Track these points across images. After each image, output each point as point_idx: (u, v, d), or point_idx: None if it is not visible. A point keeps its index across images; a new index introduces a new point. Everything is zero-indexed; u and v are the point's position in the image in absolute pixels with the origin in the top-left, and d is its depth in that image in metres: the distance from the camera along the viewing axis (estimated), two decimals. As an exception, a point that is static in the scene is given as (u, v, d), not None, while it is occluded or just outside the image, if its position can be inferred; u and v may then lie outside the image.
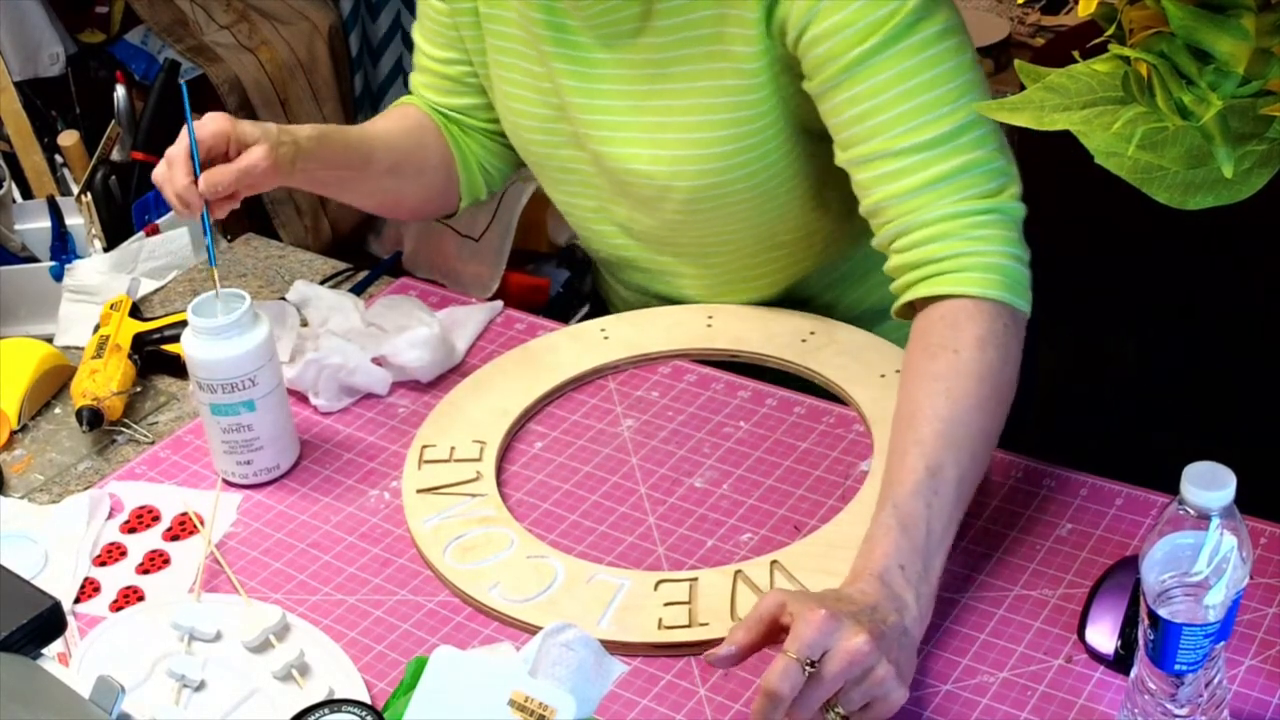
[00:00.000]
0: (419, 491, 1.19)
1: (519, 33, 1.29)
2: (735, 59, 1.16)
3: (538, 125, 1.32)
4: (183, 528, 1.20)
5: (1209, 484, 0.82)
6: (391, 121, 1.41)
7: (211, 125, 1.20)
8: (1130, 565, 1.02)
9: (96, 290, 1.51)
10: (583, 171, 1.32)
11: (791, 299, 1.36)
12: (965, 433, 1.03)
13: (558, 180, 1.36)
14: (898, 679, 0.92)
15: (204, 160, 1.19)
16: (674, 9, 1.17)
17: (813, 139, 1.22)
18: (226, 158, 1.20)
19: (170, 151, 1.20)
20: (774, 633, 0.94)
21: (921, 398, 1.04)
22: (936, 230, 1.09)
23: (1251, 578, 0.95)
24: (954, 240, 1.09)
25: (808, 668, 0.89)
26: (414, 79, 1.44)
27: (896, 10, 1.08)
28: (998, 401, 1.06)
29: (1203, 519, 0.82)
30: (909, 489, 1.00)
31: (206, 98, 2.45)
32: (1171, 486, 0.84)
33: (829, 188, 1.25)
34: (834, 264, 1.36)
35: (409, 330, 1.33)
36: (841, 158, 1.15)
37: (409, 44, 2.72)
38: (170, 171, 1.19)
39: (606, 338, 1.36)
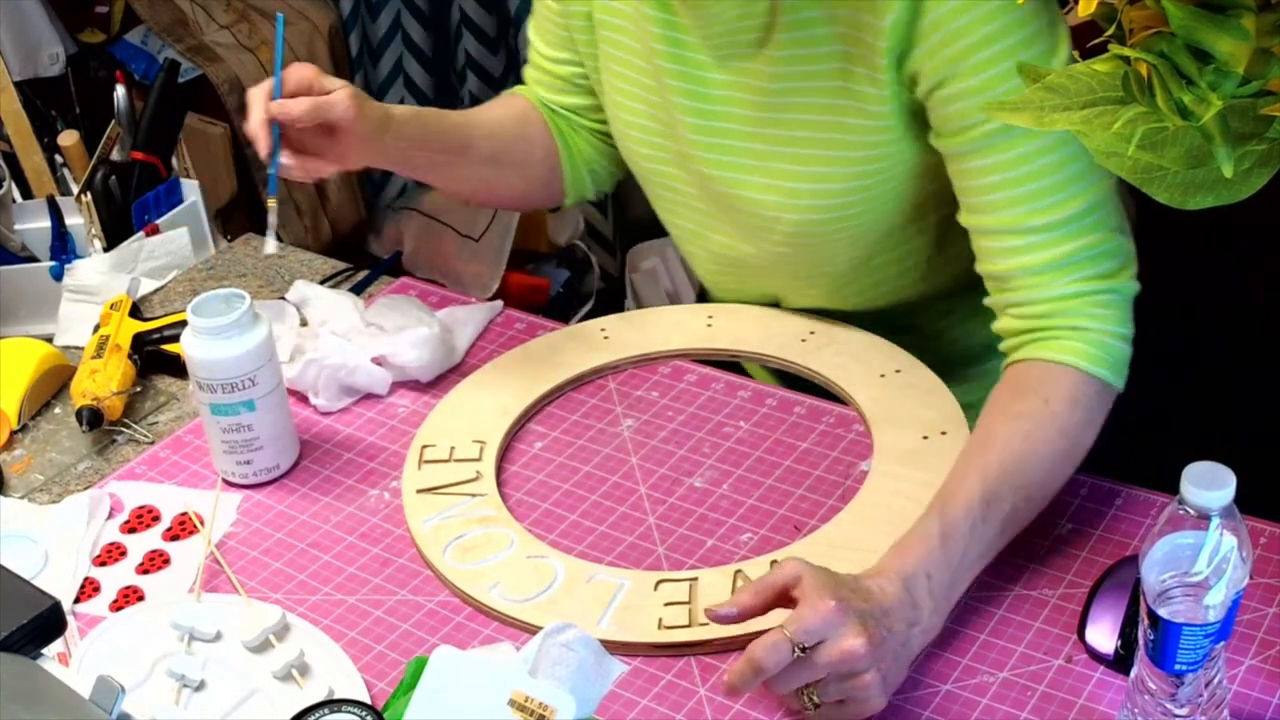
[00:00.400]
0: (419, 491, 1.19)
1: (633, 43, 1.26)
2: (859, 98, 1.13)
3: (644, 138, 1.30)
4: (183, 528, 1.20)
5: (1209, 484, 0.82)
6: (496, 110, 1.39)
7: (295, 74, 1.18)
8: (1130, 565, 1.02)
9: (96, 290, 1.51)
10: (684, 191, 1.30)
11: (894, 325, 1.32)
12: (1030, 476, 1.04)
13: (659, 195, 1.34)
14: (880, 688, 0.92)
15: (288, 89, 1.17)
16: (796, 40, 1.13)
17: (926, 178, 1.19)
18: None
19: (251, 91, 1.17)
20: (781, 602, 0.94)
21: (999, 430, 1.05)
22: (1054, 307, 1.09)
23: (1251, 578, 0.95)
24: (1069, 316, 1.09)
25: (798, 651, 0.90)
26: (527, 72, 1.42)
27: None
28: (1068, 461, 1.07)
29: (1203, 519, 0.82)
30: (960, 506, 1.01)
31: (207, 97, 2.45)
32: (1171, 486, 0.84)
33: (928, 210, 1.22)
34: (942, 299, 1.32)
35: (409, 330, 1.33)
36: (967, 220, 1.13)
37: (409, 44, 2.73)
38: (251, 108, 1.17)
39: (606, 338, 1.36)
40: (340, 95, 1.17)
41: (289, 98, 1.16)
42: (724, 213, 1.27)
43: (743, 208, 1.25)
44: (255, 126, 1.16)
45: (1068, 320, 1.09)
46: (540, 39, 1.38)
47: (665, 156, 1.29)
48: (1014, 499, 1.03)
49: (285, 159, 1.17)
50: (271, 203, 1.19)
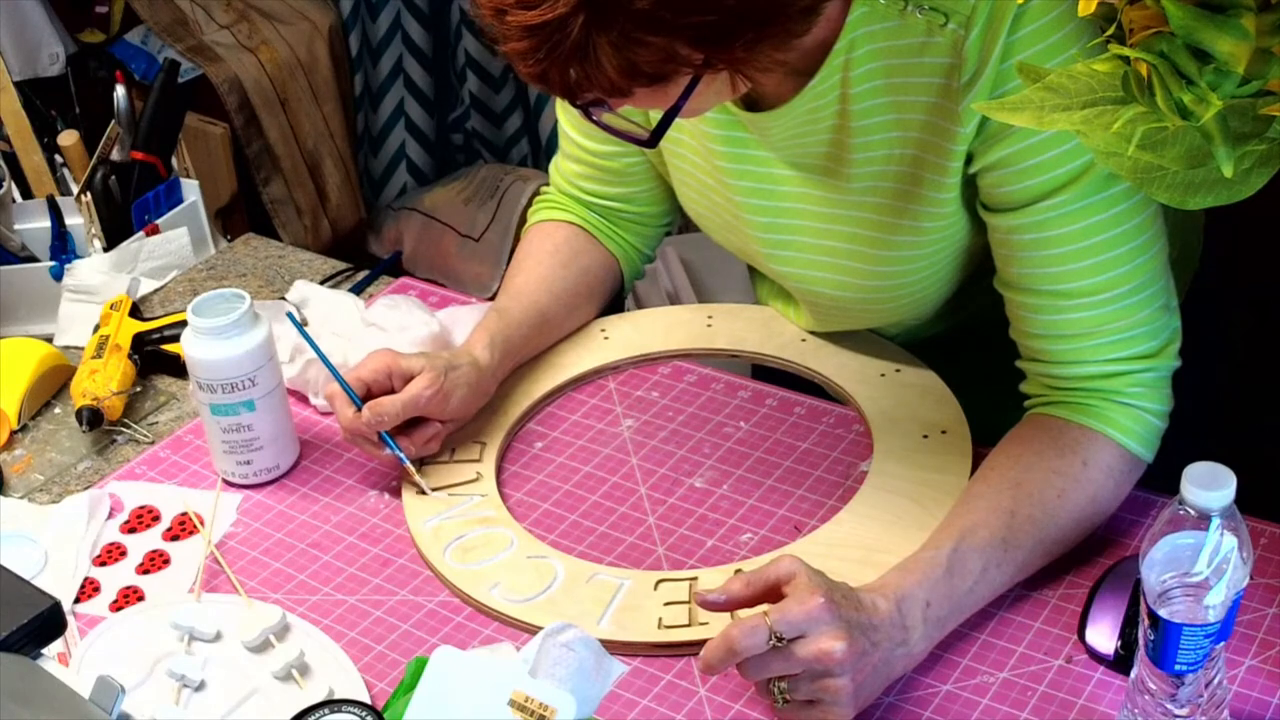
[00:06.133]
0: (419, 492, 1.19)
1: (690, 140, 1.22)
2: (931, 188, 1.10)
3: (711, 230, 1.28)
4: (183, 528, 1.20)
5: (1209, 484, 0.82)
6: (553, 267, 1.34)
7: (371, 362, 1.19)
8: (1130, 565, 1.02)
9: (96, 290, 1.51)
10: (752, 256, 1.28)
11: (936, 353, 1.30)
12: (1052, 534, 1.04)
13: (716, 231, 1.31)
14: (851, 698, 0.92)
15: (365, 395, 1.17)
16: (868, 145, 1.10)
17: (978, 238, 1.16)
18: (392, 391, 1.18)
19: (326, 390, 1.20)
20: (772, 596, 0.94)
21: (1034, 480, 1.05)
22: (1093, 383, 1.08)
23: (1251, 578, 0.95)
24: (1108, 393, 1.08)
25: (775, 640, 0.90)
26: (565, 168, 1.37)
27: (1093, 161, 1.02)
28: (1090, 526, 1.07)
29: (1203, 519, 0.82)
30: (978, 544, 1.01)
31: (206, 97, 2.45)
32: (1171, 486, 0.84)
33: (968, 256, 1.19)
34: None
35: (409, 330, 1.33)
36: (1008, 282, 1.10)
37: (409, 44, 2.72)
38: (335, 409, 1.19)
39: (606, 338, 1.36)
40: (422, 385, 1.17)
41: (366, 388, 1.18)
42: (796, 293, 1.27)
43: (800, 286, 1.24)
44: (350, 424, 1.17)
45: (1105, 396, 1.08)
46: (585, 137, 1.33)
47: (735, 247, 1.28)
48: (1032, 551, 1.03)
49: (406, 447, 1.18)
50: (412, 471, 1.19)
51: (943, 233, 1.13)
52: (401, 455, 1.18)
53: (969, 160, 1.07)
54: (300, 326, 1.24)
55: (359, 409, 1.17)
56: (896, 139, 1.09)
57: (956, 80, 1.03)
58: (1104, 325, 1.06)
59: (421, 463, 1.22)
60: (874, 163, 1.11)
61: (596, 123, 1.01)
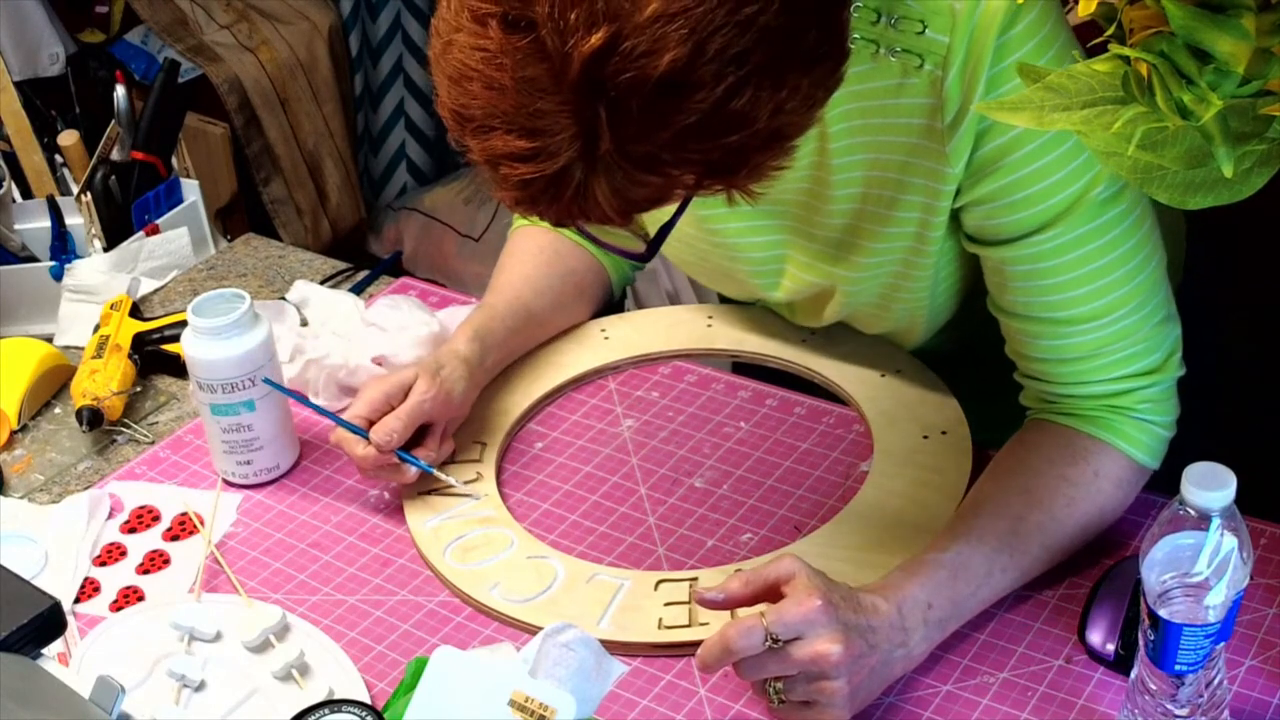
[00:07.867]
0: (419, 492, 1.19)
1: None
2: (912, 236, 1.09)
3: (704, 273, 1.28)
4: (183, 528, 1.20)
5: (1209, 484, 0.82)
6: (537, 265, 1.34)
7: (365, 396, 1.18)
8: (1130, 565, 1.02)
9: (96, 290, 1.51)
10: (751, 291, 1.27)
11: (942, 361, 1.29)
12: (1059, 541, 1.04)
13: (707, 278, 1.31)
14: (847, 699, 0.92)
15: (370, 423, 1.16)
16: (850, 196, 1.09)
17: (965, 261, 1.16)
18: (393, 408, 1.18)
19: (333, 437, 1.19)
20: (771, 595, 0.95)
21: (1043, 486, 1.05)
22: (1100, 401, 1.07)
23: (1251, 578, 0.95)
24: (1117, 408, 1.07)
25: (771, 641, 0.90)
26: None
27: (1084, 190, 1.01)
28: (1093, 534, 1.07)
29: (1203, 519, 0.82)
30: (984, 550, 1.01)
31: (206, 97, 2.45)
32: (1171, 487, 0.84)
33: (964, 279, 1.18)
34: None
35: (409, 330, 1.33)
36: (1002, 308, 1.10)
37: (409, 44, 2.73)
38: (348, 453, 1.18)
39: (607, 338, 1.36)
40: (419, 391, 1.17)
41: (368, 411, 1.17)
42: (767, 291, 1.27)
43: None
44: (362, 460, 1.16)
45: (1111, 412, 1.07)
46: None
47: (731, 290, 1.29)
48: (1037, 558, 1.03)
49: (427, 457, 1.18)
50: (438, 475, 1.19)
51: (927, 256, 1.11)
52: (428, 468, 1.17)
53: (955, 195, 1.06)
54: (291, 392, 1.23)
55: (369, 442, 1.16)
56: (875, 179, 1.08)
57: (940, 121, 1.01)
58: (1106, 346, 1.06)
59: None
60: (853, 200, 1.10)
61: (585, 234, 0.99)
